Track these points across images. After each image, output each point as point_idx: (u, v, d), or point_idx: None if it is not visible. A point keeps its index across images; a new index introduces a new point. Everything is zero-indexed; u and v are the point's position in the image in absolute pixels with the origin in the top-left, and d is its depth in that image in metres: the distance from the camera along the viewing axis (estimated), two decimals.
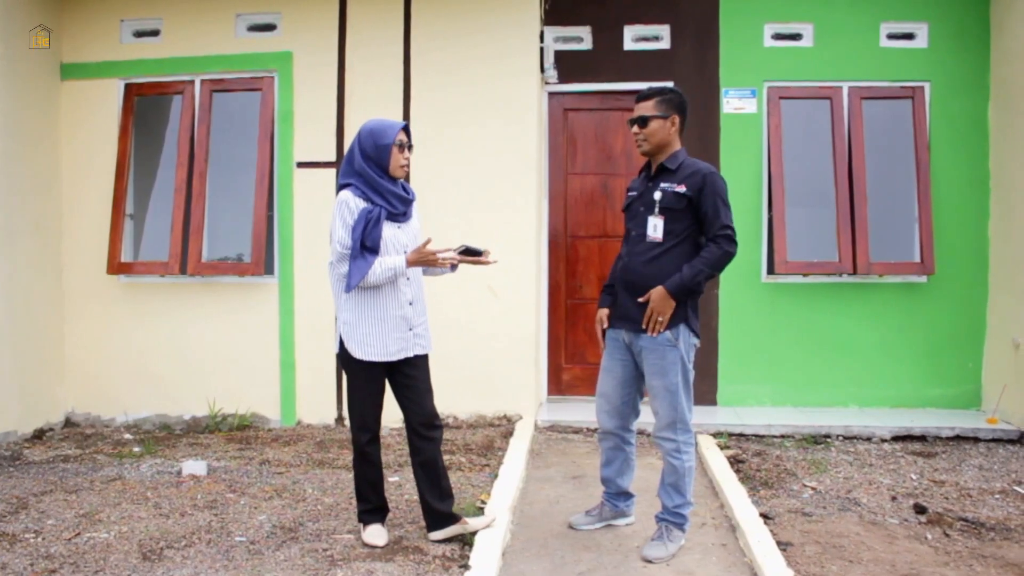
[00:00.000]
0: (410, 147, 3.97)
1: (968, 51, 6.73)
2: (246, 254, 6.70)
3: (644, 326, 3.93)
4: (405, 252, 3.93)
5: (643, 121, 4.00)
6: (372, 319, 3.88)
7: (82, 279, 6.85)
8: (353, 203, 3.81)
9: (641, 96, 4.06)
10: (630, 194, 4.21)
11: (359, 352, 3.88)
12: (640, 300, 3.93)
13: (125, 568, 3.79)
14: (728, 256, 3.89)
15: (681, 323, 3.94)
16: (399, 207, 3.92)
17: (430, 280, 4.32)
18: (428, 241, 3.88)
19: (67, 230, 6.87)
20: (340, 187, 3.92)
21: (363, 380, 3.94)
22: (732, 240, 3.89)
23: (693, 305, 3.98)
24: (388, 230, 3.88)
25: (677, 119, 4.02)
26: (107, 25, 6.84)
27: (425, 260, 3.87)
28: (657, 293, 3.87)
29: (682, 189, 3.91)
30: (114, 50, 6.85)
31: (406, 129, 3.94)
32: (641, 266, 3.98)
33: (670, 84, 4.10)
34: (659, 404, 3.97)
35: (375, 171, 3.85)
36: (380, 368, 3.94)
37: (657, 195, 3.97)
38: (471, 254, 3.98)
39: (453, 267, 4.07)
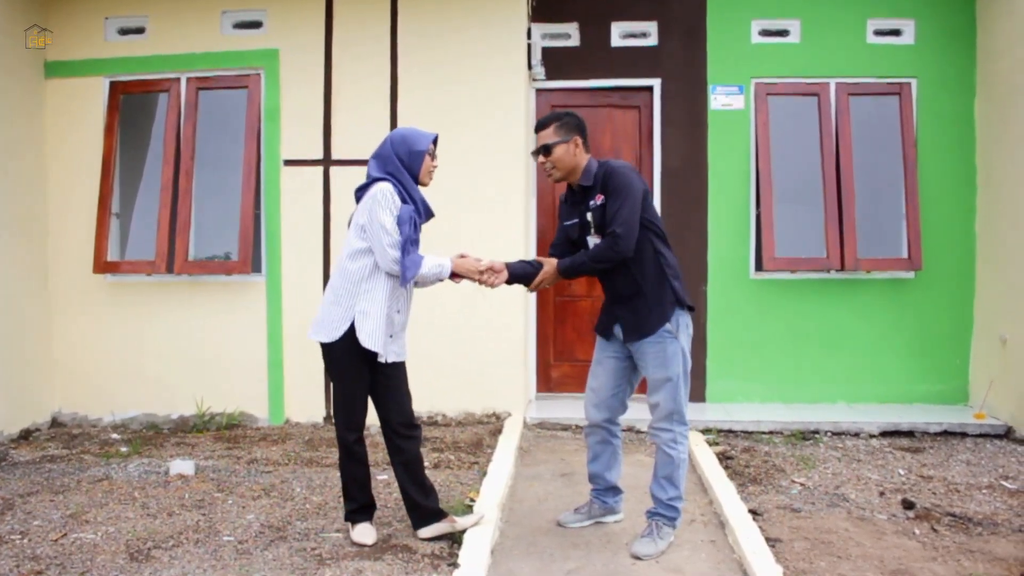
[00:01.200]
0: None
1: (955, 47, 6.76)
2: (233, 252, 6.68)
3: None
4: None
5: (546, 150, 4.04)
6: (382, 315, 3.87)
7: (68, 278, 6.81)
8: (396, 198, 3.83)
9: (538, 126, 4.10)
10: (570, 223, 4.17)
11: (369, 342, 3.83)
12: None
13: (112, 569, 3.77)
14: (612, 253, 3.88)
15: (676, 308, 3.96)
16: (422, 217, 3.98)
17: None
18: (480, 261, 4.03)
19: (53, 229, 6.83)
20: (375, 180, 3.89)
21: (352, 377, 3.92)
22: (619, 238, 3.84)
23: (678, 285, 3.99)
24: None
25: (579, 139, 4.06)
26: (91, 23, 6.80)
27: (469, 274, 3.99)
28: (550, 267, 4.06)
29: (600, 200, 3.97)
30: (99, 48, 6.81)
31: (434, 140, 4.02)
32: (617, 282, 4.03)
33: (563, 111, 4.16)
34: (660, 396, 3.97)
35: (408, 176, 3.91)
36: (367, 366, 3.93)
37: (589, 216, 4.03)
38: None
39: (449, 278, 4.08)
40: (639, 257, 3.93)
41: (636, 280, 3.95)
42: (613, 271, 3.99)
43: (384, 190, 3.81)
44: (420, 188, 4.00)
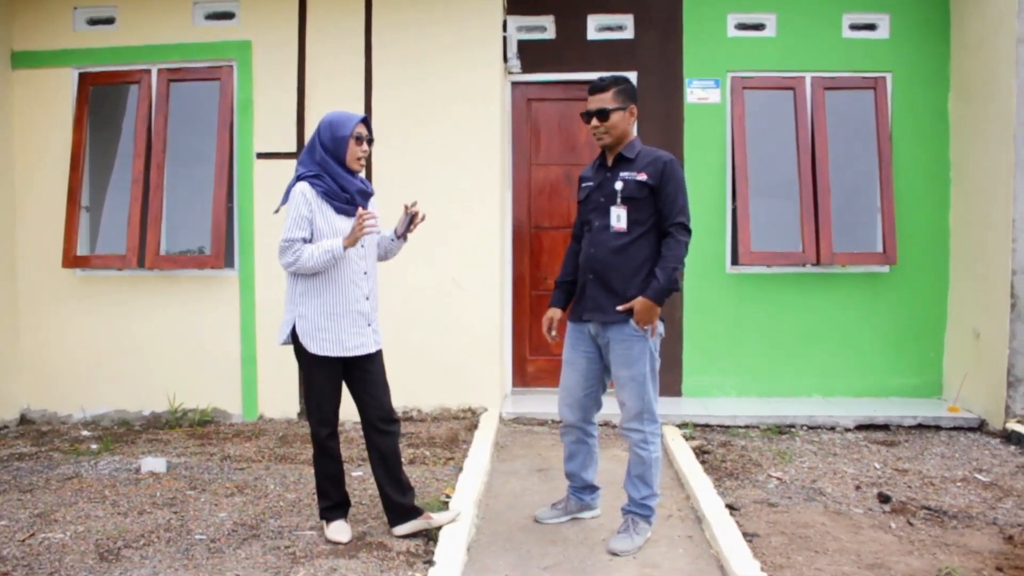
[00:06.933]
0: (370, 140, 3.92)
1: (929, 42, 6.79)
2: (206, 246, 6.59)
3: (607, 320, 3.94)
4: (363, 247, 3.90)
5: (603, 114, 3.93)
6: (328, 314, 3.83)
7: (37, 273, 6.70)
8: (310, 194, 3.79)
9: (596, 88, 3.98)
10: (585, 185, 4.15)
11: (315, 347, 3.83)
12: (620, 309, 3.89)
13: (81, 569, 3.71)
14: (686, 246, 3.88)
15: None
16: (359, 200, 3.89)
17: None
18: (360, 215, 3.75)
19: (20, 223, 6.71)
20: (297, 177, 3.87)
21: (320, 375, 3.88)
22: (686, 229, 3.88)
23: None
24: (346, 224, 3.84)
25: (635, 108, 4.01)
26: (60, 12, 6.68)
27: (357, 233, 3.76)
28: (641, 304, 3.83)
29: (643, 177, 3.89)
30: (67, 38, 6.69)
31: (365, 122, 3.91)
32: (609, 257, 3.93)
33: (620, 74, 4.07)
34: (626, 395, 3.94)
35: (334, 163, 3.82)
36: (337, 362, 3.88)
37: (618, 185, 3.93)
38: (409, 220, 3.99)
39: (404, 236, 4.05)
40: (648, 252, 3.91)
41: (631, 272, 3.90)
42: (621, 255, 3.93)
43: (294, 193, 3.82)
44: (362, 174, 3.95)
